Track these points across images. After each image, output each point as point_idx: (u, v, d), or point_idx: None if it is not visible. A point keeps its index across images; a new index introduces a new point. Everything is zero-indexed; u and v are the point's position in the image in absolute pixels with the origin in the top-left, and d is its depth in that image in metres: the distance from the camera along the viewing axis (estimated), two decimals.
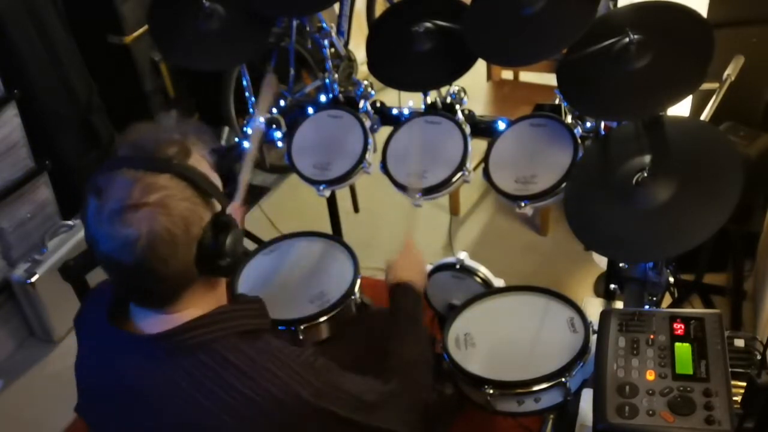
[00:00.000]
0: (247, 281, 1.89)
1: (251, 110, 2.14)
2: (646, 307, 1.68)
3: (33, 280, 2.53)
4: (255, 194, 3.30)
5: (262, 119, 1.97)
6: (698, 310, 1.49)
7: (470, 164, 1.80)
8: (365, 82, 2.03)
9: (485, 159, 1.78)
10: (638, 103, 1.51)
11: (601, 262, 2.44)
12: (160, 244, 1.01)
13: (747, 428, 1.32)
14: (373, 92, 2.03)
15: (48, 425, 2.28)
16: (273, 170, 3.35)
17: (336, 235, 2.54)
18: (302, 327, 1.71)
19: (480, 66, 1.91)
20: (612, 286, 1.91)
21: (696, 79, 1.44)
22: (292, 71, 2.96)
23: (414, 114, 1.94)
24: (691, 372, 1.27)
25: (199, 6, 1.89)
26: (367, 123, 1.96)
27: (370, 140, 1.93)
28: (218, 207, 1.10)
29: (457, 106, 1.89)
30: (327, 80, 2.08)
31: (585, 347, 1.60)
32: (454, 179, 1.78)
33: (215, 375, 1.06)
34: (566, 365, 1.57)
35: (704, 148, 1.48)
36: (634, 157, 1.50)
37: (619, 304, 1.99)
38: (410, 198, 1.81)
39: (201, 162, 1.11)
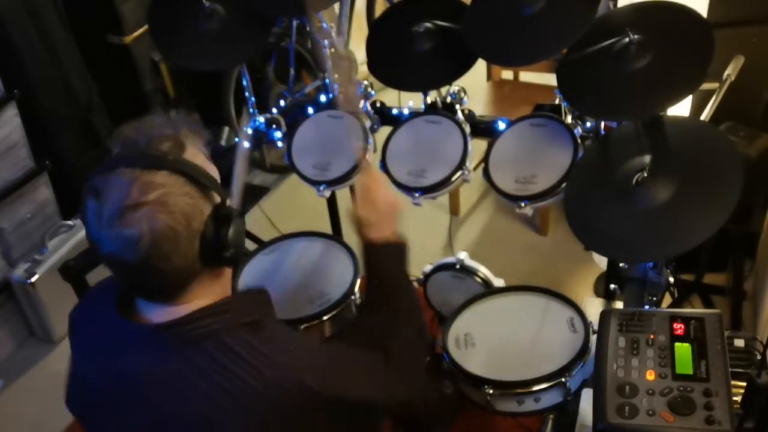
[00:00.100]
0: (247, 281, 1.89)
1: (251, 110, 2.14)
2: (646, 307, 1.68)
3: (33, 280, 2.53)
4: (255, 194, 3.30)
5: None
6: (698, 310, 1.49)
7: (470, 164, 1.80)
8: (365, 82, 2.03)
9: (485, 159, 1.78)
10: (638, 103, 1.51)
11: (601, 262, 2.44)
12: (163, 242, 1.01)
13: (747, 428, 1.32)
14: (373, 92, 2.03)
15: (48, 425, 2.28)
16: (273, 170, 3.35)
17: (336, 235, 2.54)
18: (302, 327, 1.71)
19: (480, 66, 1.91)
20: (612, 286, 1.92)
21: (696, 79, 1.44)
22: (292, 71, 2.97)
23: (414, 114, 1.94)
24: (691, 372, 1.28)
25: (199, 6, 1.89)
26: (367, 123, 1.96)
27: (370, 140, 1.93)
28: (218, 199, 1.10)
29: (457, 106, 1.89)
30: (327, 80, 2.08)
31: (585, 347, 1.60)
32: (454, 178, 1.78)
33: (221, 365, 1.06)
34: (566, 365, 1.57)
35: (704, 148, 1.48)
36: (634, 157, 1.50)
37: (619, 304, 2.00)
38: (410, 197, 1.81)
39: (197, 155, 1.10)
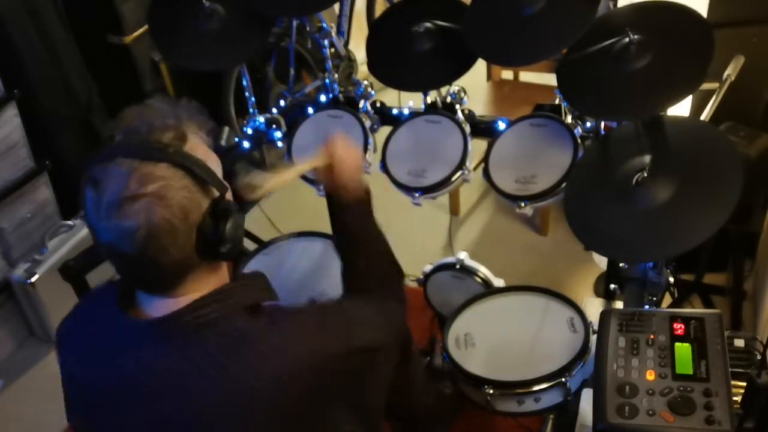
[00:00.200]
0: None
1: (251, 110, 2.14)
2: (646, 307, 1.68)
3: (33, 280, 2.53)
4: None
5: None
6: (698, 310, 1.49)
7: (470, 164, 1.80)
8: (365, 82, 2.03)
9: (485, 159, 1.78)
10: (638, 103, 1.51)
11: (601, 262, 2.44)
12: (160, 234, 1.01)
13: (747, 428, 1.32)
14: (373, 92, 2.03)
15: (48, 425, 2.28)
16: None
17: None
18: None
19: (480, 66, 1.91)
20: (612, 286, 1.92)
21: (696, 79, 1.44)
22: (292, 71, 2.97)
23: (414, 114, 1.94)
24: (691, 372, 1.28)
25: (199, 6, 1.89)
26: (367, 123, 1.96)
27: (370, 140, 1.93)
28: (216, 193, 1.09)
29: (457, 106, 1.89)
30: (327, 80, 2.08)
31: (585, 347, 1.60)
32: (454, 178, 1.78)
33: (223, 354, 1.06)
34: (566, 365, 1.57)
35: (704, 148, 1.48)
36: (634, 157, 1.50)
37: (619, 304, 1.99)
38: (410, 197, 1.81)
39: (198, 146, 1.09)
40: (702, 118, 1.68)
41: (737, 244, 2.18)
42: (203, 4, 1.89)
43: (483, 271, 1.99)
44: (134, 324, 1.11)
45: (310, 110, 2.05)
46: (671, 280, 1.72)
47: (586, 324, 1.66)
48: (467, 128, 1.83)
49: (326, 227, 2.54)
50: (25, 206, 2.62)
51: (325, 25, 2.13)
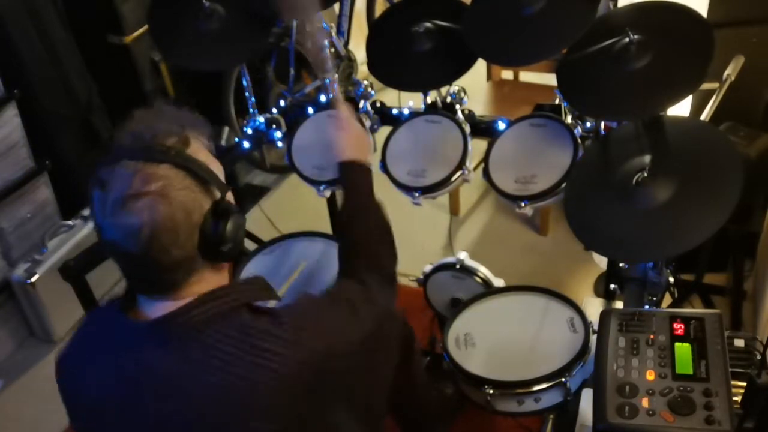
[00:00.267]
0: None
1: (251, 110, 2.15)
2: (646, 307, 1.68)
3: (33, 280, 2.53)
4: (255, 194, 3.30)
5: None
6: (698, 310, 1.49)
7: (470, 163, 1.80)
8: (365, 82, 2.03)
9: (485, 159, 1.78)
10: (638, 103, 1.51)
11: (601, 262, 2.44)
12: (163, 232, 1.04)
13: (747, 428, 1.32)
14: (373, 92, 2.03)
15: (48, 425, 2.28)
16: (273, 170, 3.35)
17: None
18: None
19: (480, 66, 1.91)
20: (612, 286, 1.92)
21: (696, 79, 1.44)
22: (292, 71, 2.97)
23: (414, 114, 1.94)
24: (691, 372, 1.28)
25: (199, 6, 1.89)
26: (367, 123, 1.96)
27: (371, 140, 1.93)
28: (218, 195, 1.12)
29: (457, 106, 1.89)
30: (327, 80, 2.08)
31: (585, 347, 1.60)
32: (454, 178, 1.78)
33: (224, 352, 1.06)
34: (566, 365, 1.57)
35: (704, 148, 1.48)
36: (634, 157, 1.50)
37: (619, 304, 2.00)
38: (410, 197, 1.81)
39: (200, 150, 1.13)
40: (702, 118, 1.68)
41: (737, 244, 2.18)
42: (203, 4, 1.89)
43: (483, 271, 1.99)
44: (134, 325, 1.11)
45: (310, 110, 2.05)
46: (671, 280, 1.72)
47: (586, 324, 1.66)
48: (467, 128, 1.83)
49: (326, 227, 2.55)
50: (25, 206, 2.62)
51: (325, 25, 2.13)
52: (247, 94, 2.14)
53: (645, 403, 1.24)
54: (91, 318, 1.27)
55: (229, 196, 1.14)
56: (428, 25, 1.78)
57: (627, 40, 1.49)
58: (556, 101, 1.75)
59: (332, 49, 2.13)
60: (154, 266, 1.06)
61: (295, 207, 3.15)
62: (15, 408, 2.47)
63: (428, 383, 1.79)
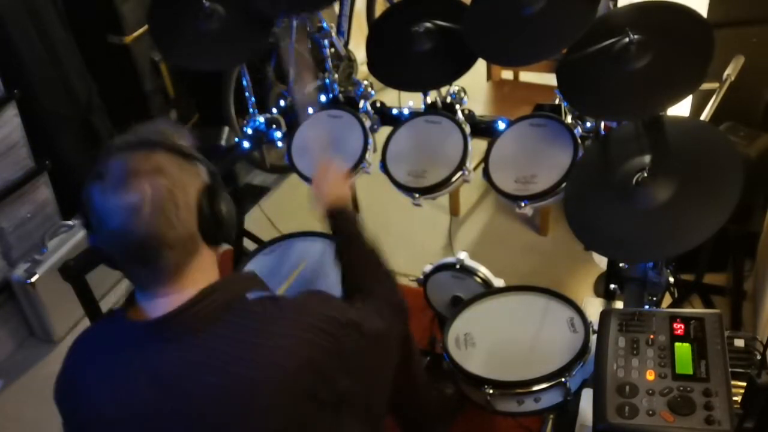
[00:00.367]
0: None
1: (251, 110, 2.14)
2: (646, 307, 1.68)
3: (33, 280, 2.52)
4: (255, 194, 3.30)
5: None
6: (698, 310, 1.49)
7: (470, 164, 1.80)
8: (365, 82, 2.03)
9: (485, 159, 1.78)
10: (638, 103, 1.51)
11: (601, 262, 2.44)
12: (165, 203, 1.06)
13: (747, 428, 1.32)
14: (373, 92, 2.03)
15: (48, 425, 2.27)
16: (273, 170, 3.35)
17: None
18: None
19: (480, 66, 1.91)
20: (612, 286, 1.92)
21: (696, 79, 1.44)
22: (292, 71, 2.96)
23: (414, 114, 1.94)
24: (691, 372, 1.28)
25: (199, 6, 1.89)
26: (367, 123, 1.96)
27: (370, 140, 1.93)
28: (208, 179, 1.15)
29: (457, 106, 1.89)
30: (327, 80, 2.08)
31: (585, 347, 1.60)
32: (454, 179, 1.78)
33: (226, 347, 1.07)
34: (566, 365, 1.57)
35: (704, 148, 1.48)
36: (634, 157, 1.50)
37: (619, 304, 1.99)
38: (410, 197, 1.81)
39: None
40: (702, 118, 1.68)
41: (737, 244, 2.18)
42: (203, 4, 1.89)
43: (483, 271, 1.99)
44: (134, 326, 1.12)
45: (310, 110, 2.05)
46: (671, 280, 1.72)
47: (586, 324, 1.66)
48: (467, 128, 1.84)
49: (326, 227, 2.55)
50: (25, 206, 2.62)
51: (325, 25, 2.13)
52: (247, 94, 2.14)
53: (645, 403, 1.24)
54: (91, 327, 1.27)
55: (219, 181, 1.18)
56: (428, 25, 1.78)
57: (627, 40, 1.49)
58: (556, 101, 1.75)
59: (332, 49, 2.13)
60: (156, 246, 1.06)
61: (295, 207, 3.15)
62: (15, 408, 2.47)
63: (428, 383, 1.79)
